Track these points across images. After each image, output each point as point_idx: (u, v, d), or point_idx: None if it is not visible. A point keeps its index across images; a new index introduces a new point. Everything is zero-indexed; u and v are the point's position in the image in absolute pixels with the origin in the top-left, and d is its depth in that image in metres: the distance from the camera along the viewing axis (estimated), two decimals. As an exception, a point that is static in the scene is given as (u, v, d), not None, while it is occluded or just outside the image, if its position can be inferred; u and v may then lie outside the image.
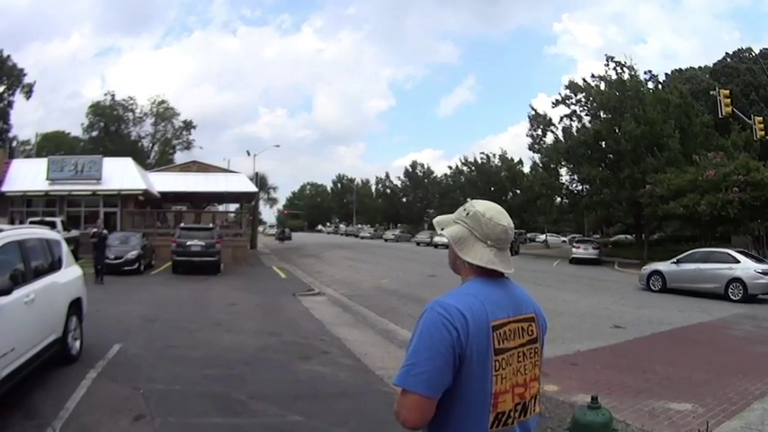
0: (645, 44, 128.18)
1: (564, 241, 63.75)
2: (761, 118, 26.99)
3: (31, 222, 20.85)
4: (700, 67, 52.69)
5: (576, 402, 6.00)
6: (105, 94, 65.71)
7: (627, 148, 33.98)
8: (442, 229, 1.96)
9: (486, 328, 1.73)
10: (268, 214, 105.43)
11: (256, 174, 50.53)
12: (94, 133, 62.49)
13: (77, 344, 7.50)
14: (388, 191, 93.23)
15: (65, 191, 28.58)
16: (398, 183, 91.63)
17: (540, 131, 43.10)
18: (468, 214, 1.91)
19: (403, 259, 33.14)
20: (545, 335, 2.00)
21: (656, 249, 37.87)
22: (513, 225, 1.93)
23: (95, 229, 17.87)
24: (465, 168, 63.03)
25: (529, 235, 69.09)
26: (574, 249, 35.35)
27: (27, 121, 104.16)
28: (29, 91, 52.95)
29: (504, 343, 1.77)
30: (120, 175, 29.73)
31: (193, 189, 34.23)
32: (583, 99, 40.33)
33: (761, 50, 47.66)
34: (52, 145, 58.33)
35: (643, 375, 7.68)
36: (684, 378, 7.56)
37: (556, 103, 41.68)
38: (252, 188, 36.85)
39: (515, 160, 59.24)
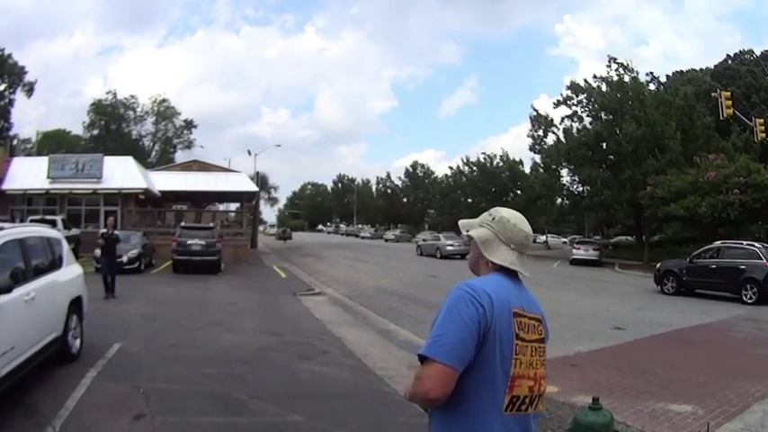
0: (647, 46, 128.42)
1: (564, 242, 63.65)
2: (762, 120, 26.97)
3: (32, 220, 20.84)
4: (701, 69, 52.67)
5: (576, 403, 6.00)
6: (107, 93, 65.73)
7: (627, 149, 33.98)
8: (468, 231, 2.09)
9: (508, 312, 1.85)
10: (269, 214, 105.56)
11: (257, 173, 50.57)
12: (95, 132, 62.51)
13: (77, 342, 7.50)
14: (389, 191, 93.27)
15: (65, 189, 28.60)
16: (399, 183, 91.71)
17: (541, 132, 43.10)
18: (493, 219, 2.06)
19: (403, 259, 33.15)
20: (548, 340, 2.08)
21: (657, 251, 37.86)
22: (532, 233, 2.10)
23: (104, 230, 14.57)
24: (466, 169, 62.94)
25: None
26: (574, 250, 35.30)
27: (28, 119, 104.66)
28: (30, 89, 52.91)
29: (521, 332, 1.88)
30: (121, 173, 29.74)
31: (194, 188, 34.19)
32: (584, 100, 40.32)
33: (762, 52, 47.71)
34: (53, 143, 58.28)
35: (643, 377, 7.67)
36: (685, 380, 7.56)
37: (557, 104, 41.66)
38: (252, 187, 36.84)
39: (517, 161, 59.20)
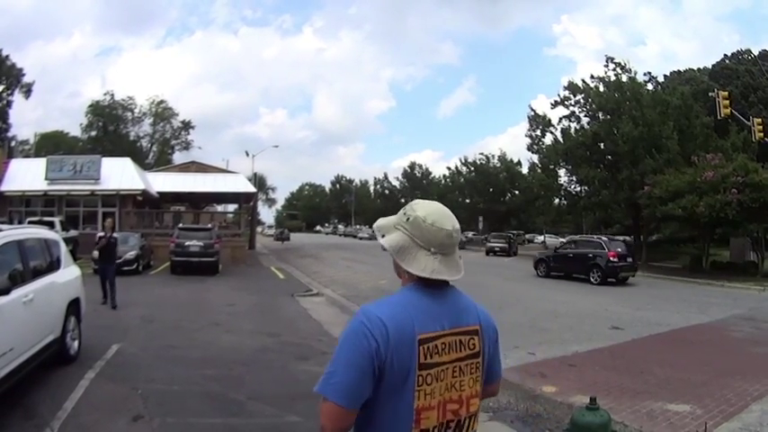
0: (644, 46, 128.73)
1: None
2: (759, 119, 27.06)
3: (30, 222, 20.81)
4: (699, 69, 52.79)
5: (573, 403, 6.00)
6: (105, 94, 65.74)
7: (625, 149, 34.04)
8: (383, 236, 1.79)
9: (410, 341, 1.62)
10: (267, 215, 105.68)
11: (255, 174, 50.63)
12: (93, 133, 62.56)
13: (76, 344, 7.50)
14: (387, 192, 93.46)
15: (63, 191, 28.57)
16: (397, 184, 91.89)
17: (538, 132, 43.16)
18: (408, 220, 1.75)
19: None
20: (493, 348, 1.86)
21: (655, 251, 37.92)
22: (458, 227, 1.79)
23: (101, 233, 13.33)
24: (464, 169, 63.05)
25: (527, 236, 69.04)
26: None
27: (26, 120, 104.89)
28: (28, 90, 53.00)
29: (433, 357, 1.66)
30: (119, 175, 29.72)
31: (192, 189, 34.21)
32: (582, 100, 40.38)
33: (760, 52, 47.85)
34: (51, 144, 58.32)
35: (641, 376, 7.68)
36: (683, 379, 7.57)
37: (555, 105, 41.72)
38: (250, 188, 36.84)
39: (514, 161, 59.33)
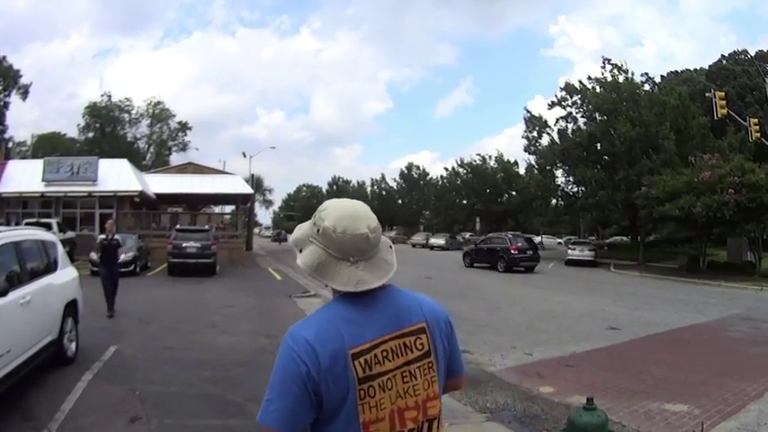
0: (641, 46, 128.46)
1: (559, 243, 63.73)
2: (756, 120, 27.19)
3: (27, 224, 20.75)
4: (696, 69, 52.91)
5: (571, 404, 6.01)
6: (102, 96, 65.65)
7: (621, 149, 34.11)
8: (301, 251, 1.63)
9: (342, 358, 1.50)
10: (264, 216, 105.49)
11: (252, 175, 50.49)
12: (90, 134, 62.37)
13: (73, 345, 7.49)
14: (384, 193, 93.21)
15: (61, 192, 28.56)
16: (394, 185, 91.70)
17: (535, 133, 43.22)
18: (318, 231, 1.58)
19: (398, 261, 33.06)
20: (449, 341, 1.71)
21: (652, 251, 38.00)
22: (375, 224, 1.64)
23: (102, 236, 12.36)
24: (461, 170, 63.04)
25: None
26: (569, 251, 35.38)
27: (23, 121, 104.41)
28: (25, 92, 52.86)
29: (374, 368, 1.53)
30: (116, 176, 29.71)
31: (189, 191, 34.15)
32: (578, 101, 40.46)
33: (757, 53, 47.96)
34: (48, 146, 58.29)
35: (639, 377, 7.69)
36: (680, 379, 7.57)
37: (552, 105, 41.81)
38: (248, 190, 36.82)
39: (511, 162, 59.35)
